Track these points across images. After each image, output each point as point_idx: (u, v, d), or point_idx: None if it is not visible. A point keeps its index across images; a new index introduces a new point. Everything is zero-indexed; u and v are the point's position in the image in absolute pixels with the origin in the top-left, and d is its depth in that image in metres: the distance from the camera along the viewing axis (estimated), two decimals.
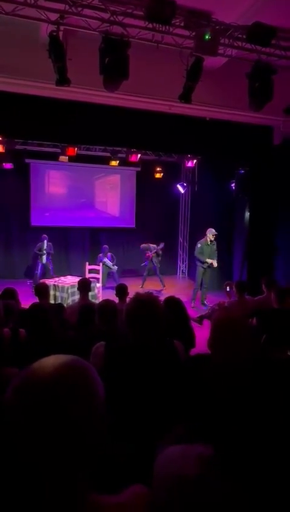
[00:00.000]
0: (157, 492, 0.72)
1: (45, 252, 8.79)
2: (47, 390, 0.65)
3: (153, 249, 9.03)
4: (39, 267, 8.81)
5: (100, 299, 7.30)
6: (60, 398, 0.65)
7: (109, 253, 9.16)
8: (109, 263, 9.00)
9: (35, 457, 0.63)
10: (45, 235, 8.92)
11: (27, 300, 4.38)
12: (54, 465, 0.64)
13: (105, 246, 9.35)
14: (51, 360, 0.70)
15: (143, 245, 9.18)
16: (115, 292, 4.57)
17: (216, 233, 7.57)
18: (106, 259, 8.96)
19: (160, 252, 9.09)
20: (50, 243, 8.94)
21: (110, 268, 8.99)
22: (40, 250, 8.82)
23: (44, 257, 8.80)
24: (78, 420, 0.65)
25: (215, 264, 7.61)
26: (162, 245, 9.12)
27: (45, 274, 8.67)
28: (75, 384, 0.67)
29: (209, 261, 7.54)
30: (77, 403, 0.66)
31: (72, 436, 0.65)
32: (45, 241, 8.83)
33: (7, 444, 0.64)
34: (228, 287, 5.57)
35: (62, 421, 0.64)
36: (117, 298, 4.38)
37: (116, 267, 9.12)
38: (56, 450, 0.64)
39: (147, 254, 9.04)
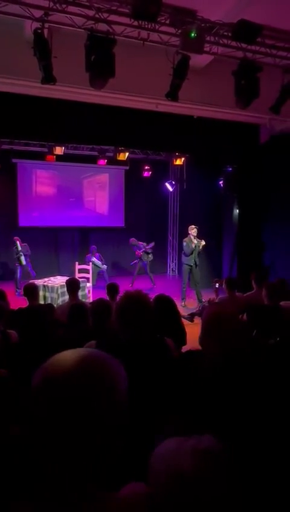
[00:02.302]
0: (155, 489, 0.72)
1: (21, 253, 8.45)
2: (68, 384, 0.65)
3: (141, 247, 9.02)
4: (19, 271, 8.56)
5: (90, 299, 7.27)
6: (81, 392, 0.64)
7: (97, 254, 9.13)
8: (98, 262, 8.96)
9: (52, 451, 0.63)
10: (16, 237, 8.57)
11: (13, 302, 4.32)
12: (66, 461, 0.63)
13: (93, 246, 9.31)
14: (72, 354, 0.70)
15: (132, 239, 9.15)
16: (106, 291, 4.55)
17: (195, 226, 7.54)
18: (94, 259, 8.92)
19: (149, 251, 9.08)
20: (25, 244, 8.59)
21: (100, 267, 8.96)
22: (17, 252, 8.47)
23: (22, 258, 8.45)
24: (99, 413, 0.65)
25: (202, 243, 7.47)
26: (151, 244, 9.11)
27: (24, 277, 8.36)
28: (96, 377, 0.67)
29: (194, 242, 7.43)
30: (98, 395, 0.65)
31: (91, 430, 0.64)
32: (18, 242, 8.47)
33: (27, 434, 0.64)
34: (217, 284, 5.58)
35: (84, 414, 0.64)
36: (108, 297, 4.36)
37: (105, 266, 9.09)
38: (74, 444, 0.63)
39: (137, 252, 9.04)
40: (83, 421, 0.63)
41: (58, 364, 0.67)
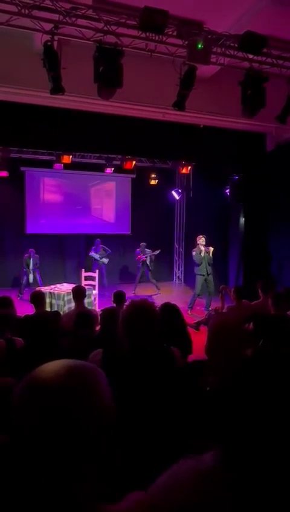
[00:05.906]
0: (161, 503, 0.71)
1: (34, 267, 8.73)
2: (50, 394, 0.64)
3: (147, 253, 9.06)
4: (25, 277, 8.70)
5: (96, 306, 7.27)
6: (63, 403, 0.64)
7: (99, 246, 9.17)
8: (96, 255, 8.99)
9: (38, 462, 0.62)
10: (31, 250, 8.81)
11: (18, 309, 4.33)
12: (57, 472, 0.63)
13: (97, 240, 9.35)
14: (55, 364, 0.70)
15: (143, 243, 9.27)
16: (112, 299, 4.56)
17: (203, 236, 7.56)
18: (92, 253, 8.99)
19: (153, 258, 9.13)
20: (37, 256, 8.87)
21: (98, 260, 8.96)
22: (28, 265, 8.73)
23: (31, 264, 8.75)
24: (81, 424, 0.64)
25: (211, 249, 7.53)
26: (157, 251, 9.15)
27: (30, 285, 8.57)
28: (78, 389, 0.67)
29: (203, 251, 7.48)
30: (80, 406, 0.65)
31: (75, 441, 0.63)
32: (32, 253, 8.74)
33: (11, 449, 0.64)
34: (224, 291, 5.54)
35: (65, 425, 0.63)
36: (115, 305, 4.37)
37: (106, 260, 9.10)
38: (59, 456, 0.62)
39: (138, 257, 9.09)
40: (66, 430, 0.63)
41: (41, 375, 0.67)
